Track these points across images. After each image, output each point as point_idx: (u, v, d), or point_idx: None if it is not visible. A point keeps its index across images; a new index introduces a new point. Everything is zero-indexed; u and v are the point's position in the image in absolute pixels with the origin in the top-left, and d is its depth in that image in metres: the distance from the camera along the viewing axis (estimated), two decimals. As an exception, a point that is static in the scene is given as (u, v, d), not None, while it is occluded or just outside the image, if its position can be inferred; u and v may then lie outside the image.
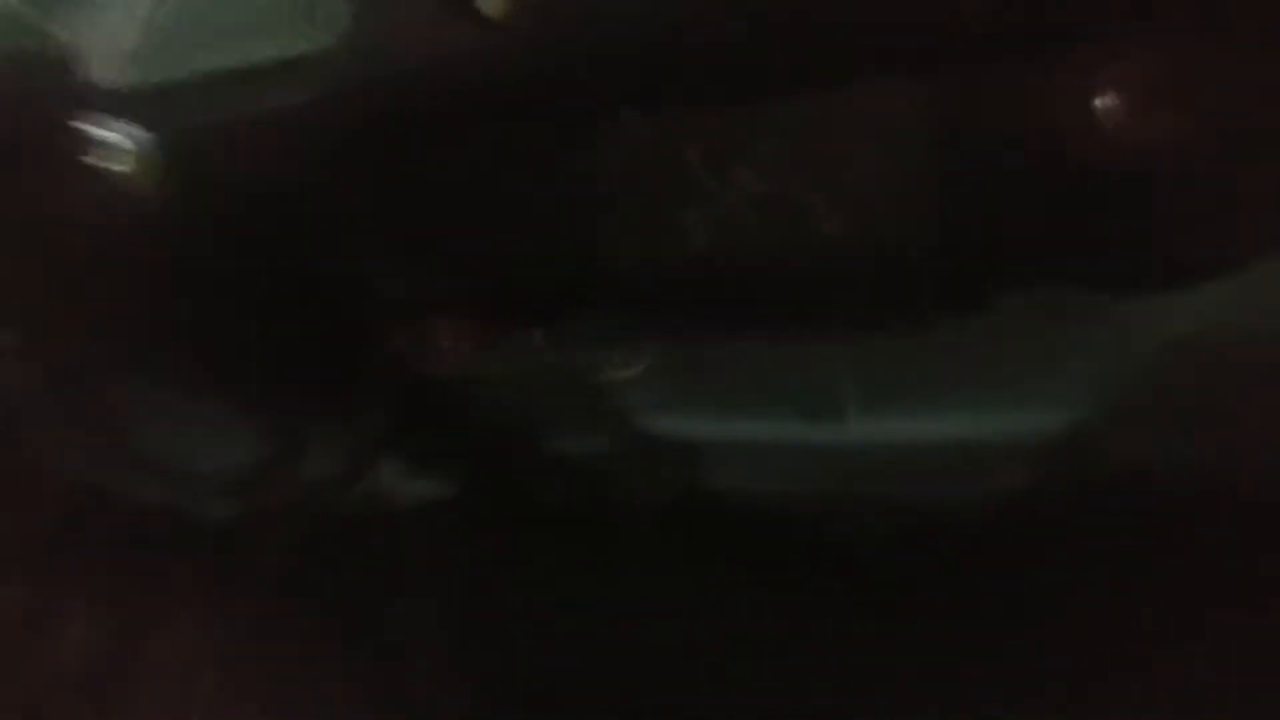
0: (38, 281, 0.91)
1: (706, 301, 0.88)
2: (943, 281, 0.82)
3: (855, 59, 0.76)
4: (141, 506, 1.02)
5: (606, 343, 0.96)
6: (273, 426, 1.02)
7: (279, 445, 1.02)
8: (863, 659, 0.95)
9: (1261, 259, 0.80)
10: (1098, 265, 0.80)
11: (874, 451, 1.02)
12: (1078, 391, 0.92)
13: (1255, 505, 0.86)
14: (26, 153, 0.86)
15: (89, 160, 0.83)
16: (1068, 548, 0.92)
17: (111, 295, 0.88)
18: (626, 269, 0.86)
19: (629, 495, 1.06)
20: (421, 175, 0.85)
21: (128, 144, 0.80)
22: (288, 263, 0.89)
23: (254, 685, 0.96)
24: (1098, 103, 0.72)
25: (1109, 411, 0.91)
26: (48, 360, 0.96)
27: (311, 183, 0.82)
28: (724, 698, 0.97)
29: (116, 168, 0.80)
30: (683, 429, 1.04)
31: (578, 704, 0.97)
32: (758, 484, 1.07)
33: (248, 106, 0.80)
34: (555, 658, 0.99)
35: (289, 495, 1.01)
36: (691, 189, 0.80)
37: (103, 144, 0.81)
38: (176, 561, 1.02)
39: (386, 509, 1.05)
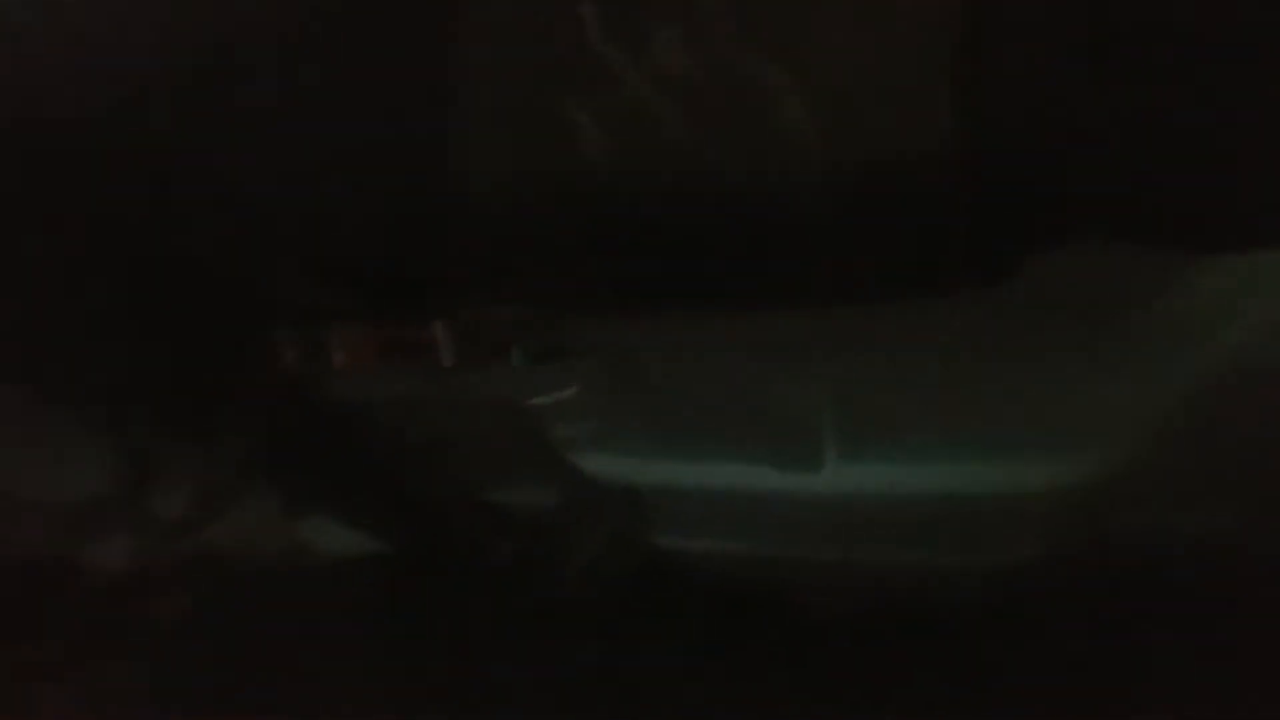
0: None
1: (611, 248, 0.68)
2: (961, 217, 0.62)
3: None
4: (22, 555, 0.90)
5: (513, 334, 0.77)
6: (114, 450, 0.86)
7: (123, 473, 0.86)
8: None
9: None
10: (1165, 213, 0.61)
11: (855, 509, 0.86)
12: (1101, 436, 0.78)
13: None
14: None
15: None
16: (1076, 633, 0.79)
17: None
18: (501, 200, 0.66)
19: (568, 551, 0.91)
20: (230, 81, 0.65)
21: None
22: (108, 224, 0.71)
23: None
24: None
25: (1130, 463, 0.77)
26: None
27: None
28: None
29: None
30: (625, 473, 0.88)
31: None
32: (715, 543, 0.92)
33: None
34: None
35: (137, 533, 0.86)
36: (586, 67, 0.58)
37: None
38: (67, 611, 0.90)
39: (303, 560, 0.93)
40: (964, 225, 0.65)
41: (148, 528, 0.86)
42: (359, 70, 0.65)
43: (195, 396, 0.85)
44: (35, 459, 0.88)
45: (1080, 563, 0.81)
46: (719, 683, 0.85)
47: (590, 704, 0.86)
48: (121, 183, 0.74)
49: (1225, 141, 0.60)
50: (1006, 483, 0.81)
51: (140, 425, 0.86)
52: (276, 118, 0.66)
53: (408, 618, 0.91)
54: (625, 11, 0.58)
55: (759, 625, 0.88)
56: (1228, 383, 0.71)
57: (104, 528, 0.86)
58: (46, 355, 0.82)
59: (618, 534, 0.92)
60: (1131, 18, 0.57)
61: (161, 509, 0.87)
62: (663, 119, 0.62)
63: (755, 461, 0.86)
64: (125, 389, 0.84)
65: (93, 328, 0.81)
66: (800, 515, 0.88)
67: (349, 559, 0.94)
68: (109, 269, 0.76)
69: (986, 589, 0.86)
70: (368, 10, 0.65)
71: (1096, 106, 0.58)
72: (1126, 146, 0.60)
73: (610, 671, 0.87)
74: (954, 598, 0.87)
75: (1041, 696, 0.78)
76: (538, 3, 0.59)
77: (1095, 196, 0.63)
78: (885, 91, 0.61)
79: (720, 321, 0.76)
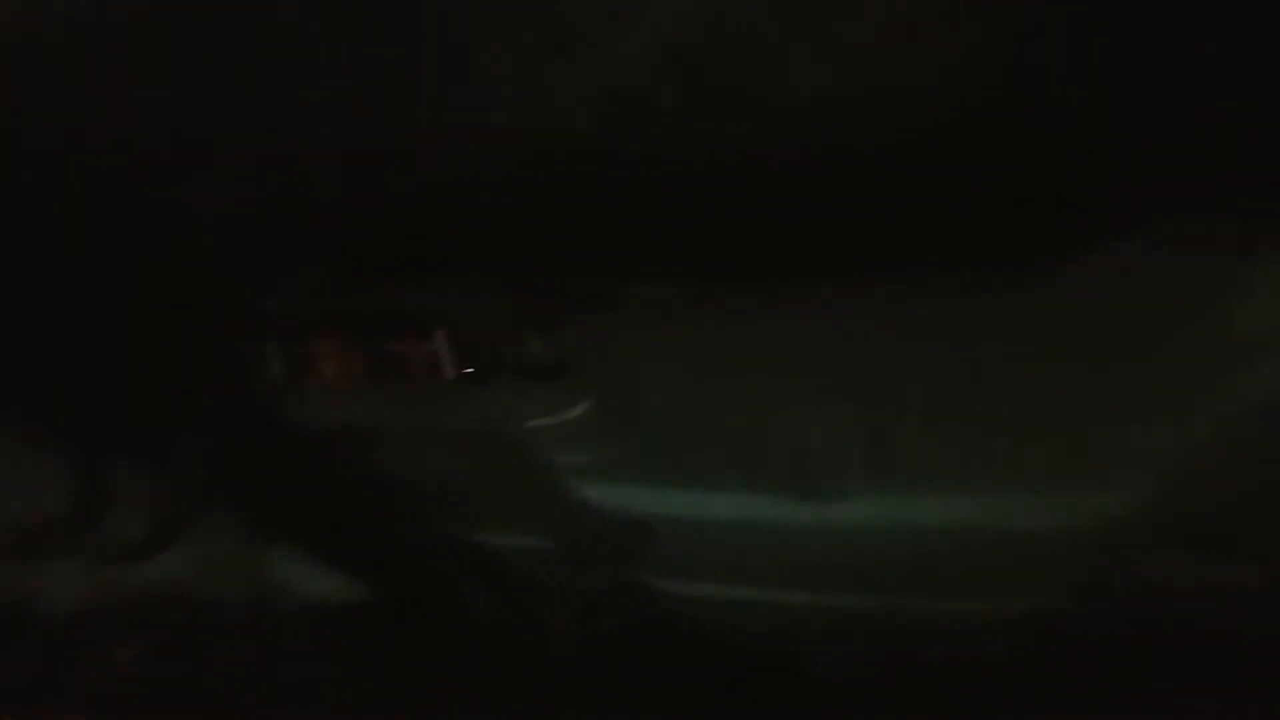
0: None
1: (616, 225, 0.62)
2: (1019, 187, 0.56)
3: None
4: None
5: (511, 340, 0.70)
6: (69, 468, 0.78)
7: (76, 494, 0.78)
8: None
9: None
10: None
11: (878, 547, 0.80)
12: (1151, 466, 0.73)
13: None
14: None
15: None
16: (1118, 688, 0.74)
17: None
18: (493, 173, 0.59)
19: (562, 598, 0.85)
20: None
21: None
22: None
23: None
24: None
25: (1178, 497, 0.72)
26: None
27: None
28: None
29: None
30: (629, 504, 0.81)
31: None
32: (724, 590, 0.84)
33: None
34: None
35: (90, 556, 0.79)
36: (567, 29, 0.52)
37: None
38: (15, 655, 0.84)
39: (270, 607, 0.86)
40: (1022, 199, 0.60)
41: (101, 551, 0.78)
42: (327, 29, 0.59)
43: (157, 411, 0.78)
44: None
45: (1120, 609, 0.76)
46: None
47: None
48: (78, 180, 0.68)
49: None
50: (1050, 517, 0.75)
51: (96, 440, 0.78)
52: (243, 81, 0.60)
53: (376, 677, 0.84)
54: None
55: (767, 687, 0.82)
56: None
57: (55, 550, 0.78)
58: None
59: (615, 580, 0.85)
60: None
61: (116, 531, 0.79)
62: (654, 77, 0.55)
63: (771, 491, 0.79)
64: (82, 401, 0.77)
65: (44, 329, 0.73)
66: (818, 555, 0.81)
67: (317, 606, 0.86)
68: (64, 264, 0.69)
69: (1016, 643, 0.80)
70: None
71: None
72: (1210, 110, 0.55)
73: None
74: (981, 655, 0.81)
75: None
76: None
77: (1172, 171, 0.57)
78: (933, 28, 0.55)
79: (733, 322, 0.70)
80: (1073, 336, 0.70)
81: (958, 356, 0.71)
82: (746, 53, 0.57)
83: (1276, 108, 0.57)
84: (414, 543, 0.86)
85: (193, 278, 0.73)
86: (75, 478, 0.79)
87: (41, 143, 0.65)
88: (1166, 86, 0.58)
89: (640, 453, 0.79)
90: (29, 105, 0.64)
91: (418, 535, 0.85)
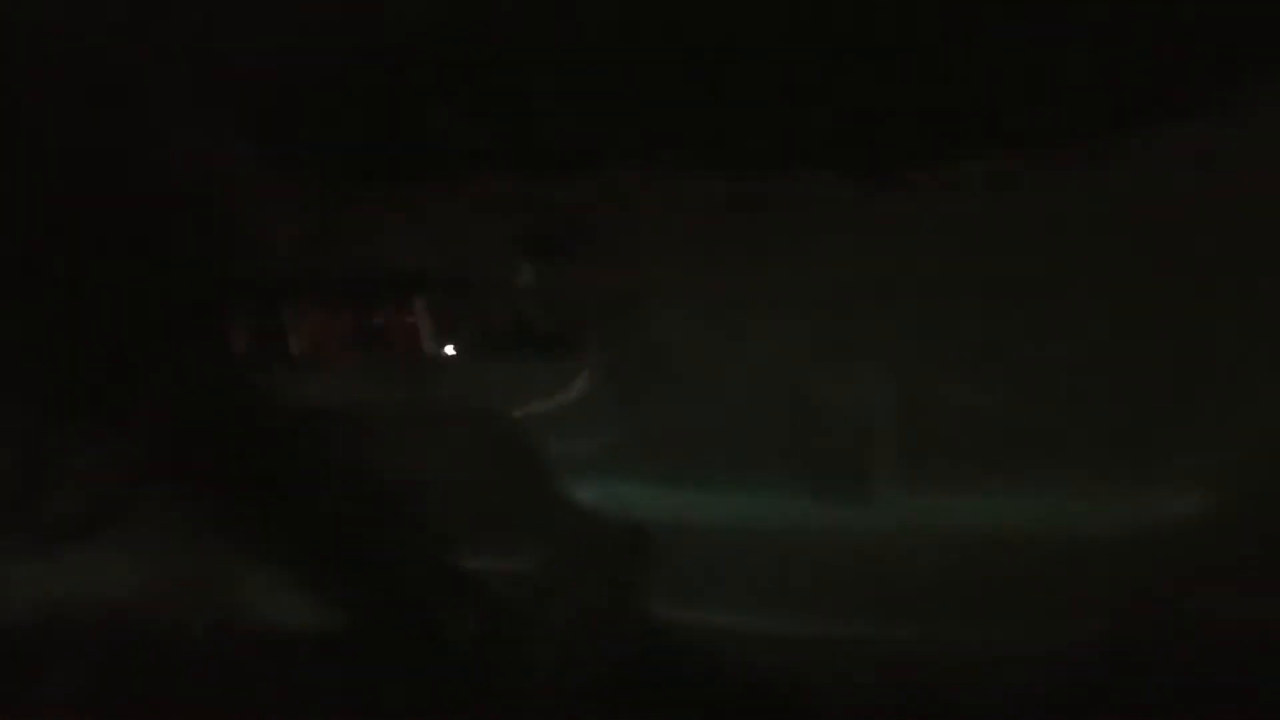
0: None
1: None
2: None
3: None
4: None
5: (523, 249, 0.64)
6: (10, 437, 0.73)
7: (16, 465, 0.73)
8: None
9: None
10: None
11: (905, 559, 0.73)
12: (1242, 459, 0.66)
13: None
14: None
15: None
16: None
17: None
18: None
19: (548, 628, 0.78)
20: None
21: None
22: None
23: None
24: None
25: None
26: None
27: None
28: None
29: None
30: (630, 505, 0.75)
31: None
32: (729, 615, 0.77)
33: None
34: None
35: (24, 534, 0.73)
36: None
37: None
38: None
39: (247, 631, 0.80)
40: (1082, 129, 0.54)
41: (43, 527, 0.72)
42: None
43: (107, 381, 0.73)
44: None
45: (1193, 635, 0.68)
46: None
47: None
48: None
49: None
50: (1115, 521, 0.68)
51: (41, 409, 0.73)
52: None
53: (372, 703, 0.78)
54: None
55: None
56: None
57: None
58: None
59: (608, 602, 0.79)
60: None
61: (60, 507, 0.73)
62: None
63: (789, 489, 0.73)
64: (25, 366, 0.72)
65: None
66: (837, 572, 0.74)
67: (283, 630, 0.80)
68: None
69: (1067, 676, 0.72)
70: None
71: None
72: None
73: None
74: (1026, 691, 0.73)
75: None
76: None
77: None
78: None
79: (745, 282, 0.64)
80: (1149, 296, 0.63)
81: (1012, 315, 0.65)
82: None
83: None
84: (387, 555, 0.79)
85: (152, 227, 0.68)
86: (16, 449, 0.73)
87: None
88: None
89: (642, 442, 0.73)
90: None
91: (391, 545, 0.79)
